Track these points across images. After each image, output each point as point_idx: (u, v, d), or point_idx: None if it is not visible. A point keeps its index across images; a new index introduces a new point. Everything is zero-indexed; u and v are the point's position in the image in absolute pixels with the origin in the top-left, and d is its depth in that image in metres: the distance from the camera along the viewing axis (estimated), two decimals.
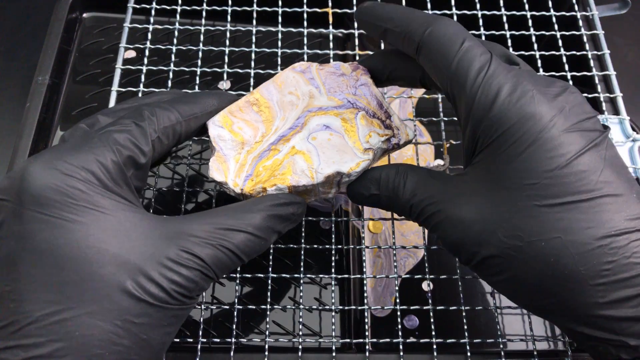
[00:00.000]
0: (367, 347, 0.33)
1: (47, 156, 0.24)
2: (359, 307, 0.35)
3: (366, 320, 0.34)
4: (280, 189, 0.31)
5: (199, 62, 0.41)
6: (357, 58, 0.43)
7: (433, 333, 0.33)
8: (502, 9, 0.44)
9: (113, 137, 0.26)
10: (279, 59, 0.42)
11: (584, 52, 0.44)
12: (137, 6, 0.44)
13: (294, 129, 0.32)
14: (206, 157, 0.43)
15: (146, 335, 0.24)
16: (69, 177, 0.24)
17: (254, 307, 0.36)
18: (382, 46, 0.43)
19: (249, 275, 0.36)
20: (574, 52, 0.43)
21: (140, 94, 0.40)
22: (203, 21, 0.43)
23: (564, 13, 0.45)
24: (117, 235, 0.24)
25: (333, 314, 0.34)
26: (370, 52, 0.47)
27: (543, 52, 0.43)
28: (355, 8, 0.44)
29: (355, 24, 0.43)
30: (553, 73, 0.42)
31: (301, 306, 0.36)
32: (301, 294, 0.36)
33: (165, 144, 0.28)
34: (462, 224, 0.26)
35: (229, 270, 0.26)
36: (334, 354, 0.33)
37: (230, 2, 0.44)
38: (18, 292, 0.22)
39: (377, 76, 0.34)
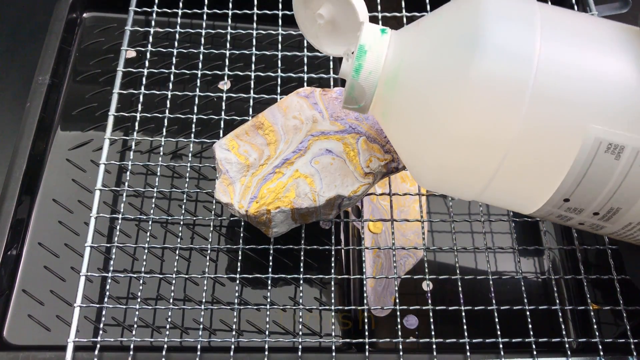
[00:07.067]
0: (366, 347, 0.33)
1: None
2: (359, 307, 0.35)
3: (366, 320, 0.34)
4: (284, 211, 0.32)
5: (200, 63, 0.41)
6: None
7: (433, 333, 0.33)
8: None
9: None
10: (279, 61, 0.42)
11: None
12: (139, 9, 0.44)
13: (298, 153, 0.34)
14: (206, 155, 0.43)
15: None
16: None
17: (254, 307, 0.36)
18: None
19: (249, 276, 0.36)
20: None
21: (141, 97, 0.40)
22: (204, 23, 0.43)
23: None
24: None
25: (333, 314, 0.34)
26: None
27: None
28: None
29: None
30: None
31: (301, 306, 0.36)
32: (301, 294, 0.36)
33: None
34: None
35: None
36: (334, 354, 0.33)
37: (230, 5, 0.44)
38: None
39: None
